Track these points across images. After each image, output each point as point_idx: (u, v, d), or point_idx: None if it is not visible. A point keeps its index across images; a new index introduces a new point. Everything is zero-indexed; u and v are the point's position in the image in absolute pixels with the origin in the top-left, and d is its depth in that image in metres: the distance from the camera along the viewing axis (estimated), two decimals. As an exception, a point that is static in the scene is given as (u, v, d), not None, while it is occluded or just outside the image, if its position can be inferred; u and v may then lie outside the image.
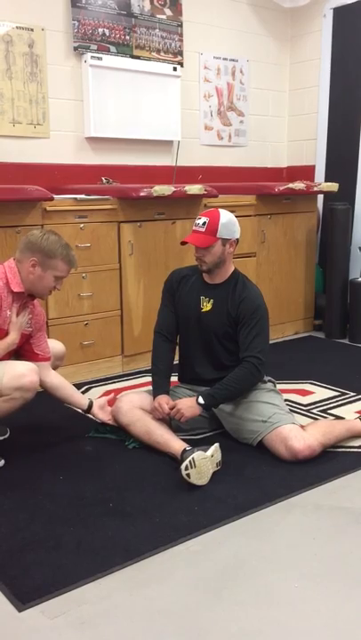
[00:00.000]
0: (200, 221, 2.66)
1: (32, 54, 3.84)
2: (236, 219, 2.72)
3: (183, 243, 2.73)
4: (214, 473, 2.40)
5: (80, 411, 2.84)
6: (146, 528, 2.08)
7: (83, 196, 3.57)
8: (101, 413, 2.79)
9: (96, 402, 2.81)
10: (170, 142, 4.55)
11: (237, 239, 2.72)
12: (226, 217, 2.67)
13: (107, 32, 4.10)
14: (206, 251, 2.65)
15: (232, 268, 2.77)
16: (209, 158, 4.82)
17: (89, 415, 2.82)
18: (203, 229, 2.64)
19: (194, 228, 2.69)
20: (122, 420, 2.69)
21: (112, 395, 2.93)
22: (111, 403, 2.83)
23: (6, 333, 2.53)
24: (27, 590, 1.77)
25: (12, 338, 2.51)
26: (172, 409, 2.59)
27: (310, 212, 4.72)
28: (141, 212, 3.75)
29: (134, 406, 2.68)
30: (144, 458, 2.59)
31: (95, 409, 2.79)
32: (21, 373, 2.43)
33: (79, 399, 2.79)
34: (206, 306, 2.74)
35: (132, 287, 3.77)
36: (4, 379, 2.40)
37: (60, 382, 2.74)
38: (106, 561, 1.90)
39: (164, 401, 2.62)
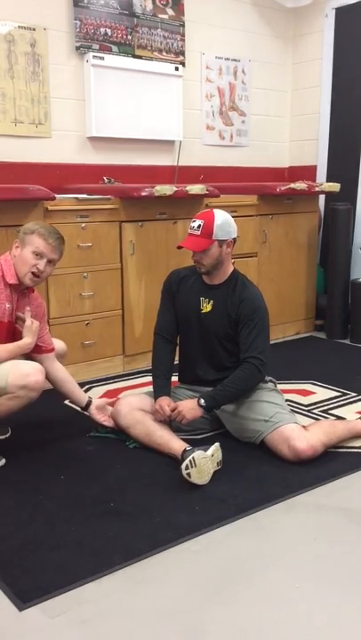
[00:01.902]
0: (195, 224, 2.63)
1: (34, 54, 3.84)
2: (231, 218, 2.68)
3: (179, 247, 2.71)
4: (215, 473, 2.40)
5: (78, 408, 2.84)
6: (146, 528, 2.08)
7: (84, 196, 3.57)
8: (98, 414, 2.79)
9: (95, 402, 2.81)
10: (171, 142, 4.55)
11: (235, 239, 2.70)
12: (221, 218, 2.63)
13: (109, 32, 4.10)
14: (203, 254, 2.63)
15: (231, 269, 2.75)
16: (210, 158, 4.82)
17: (86, 413, 2.82)
18: (198, 232, 2.62)
19: (189, 231, 2.66)
20: (121, 423, 2.69)
21: (115, 399, 2.89)
22: (112, 406, 2.81)
23: (7, 326, 2.54)
24: (27, 590, 1.77)
25: (27, 342, 2.53)
26: (173, 411, 2.59)
27: (312, 213, 4.72)
28: (143, 211, 3.75)
29: (133, 408, 2.68)
30: (145, 457, 2.59)
31: (92, 408, 2.79)
32: (27, 372, 2.45)
33: (79, 396, 2.80)
34: (206, 307, 2.73)
35: (134, 287, 3.77)
36: (9, 377, 2.42)
37: (63, 376, 2.74)
38: (106, 560, 1.90)
39: (165, 403, 2.62)
